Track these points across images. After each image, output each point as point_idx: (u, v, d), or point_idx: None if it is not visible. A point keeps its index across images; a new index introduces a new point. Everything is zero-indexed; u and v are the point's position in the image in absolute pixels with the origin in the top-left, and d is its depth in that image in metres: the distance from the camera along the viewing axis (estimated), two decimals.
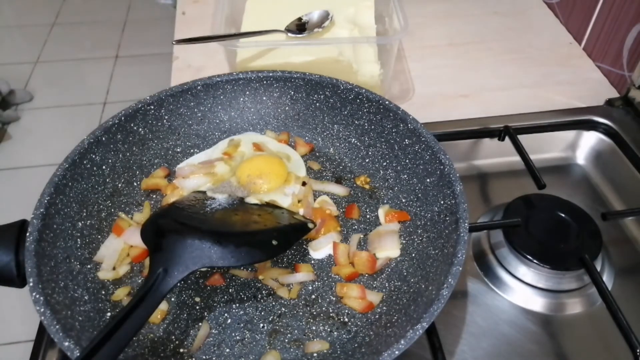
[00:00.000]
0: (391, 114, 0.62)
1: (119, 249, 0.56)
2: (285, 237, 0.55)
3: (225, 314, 0.53)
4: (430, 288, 0.49)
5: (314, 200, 0.62)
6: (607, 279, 0.59)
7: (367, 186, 0.64)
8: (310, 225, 0.58)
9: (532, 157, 0.67)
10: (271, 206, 0.60)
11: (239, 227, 0.55)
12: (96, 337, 0.41)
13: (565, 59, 0.90)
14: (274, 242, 0.53)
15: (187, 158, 0.67)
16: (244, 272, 0.56)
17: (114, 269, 0.55)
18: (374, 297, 0.54)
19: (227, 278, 0.56)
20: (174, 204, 0.58)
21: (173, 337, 0.51)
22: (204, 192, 0.61)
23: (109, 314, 0.51)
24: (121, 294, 0.53)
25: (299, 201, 0.62)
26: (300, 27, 0.77)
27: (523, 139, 0.70)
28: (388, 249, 0.57)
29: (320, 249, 0.58)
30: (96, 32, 2.64)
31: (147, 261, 0.57)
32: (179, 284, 0.49)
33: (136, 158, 0.63)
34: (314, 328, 0.52)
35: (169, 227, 0.52)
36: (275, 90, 0.68)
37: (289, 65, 0.72)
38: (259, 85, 0.68)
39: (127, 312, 0.44)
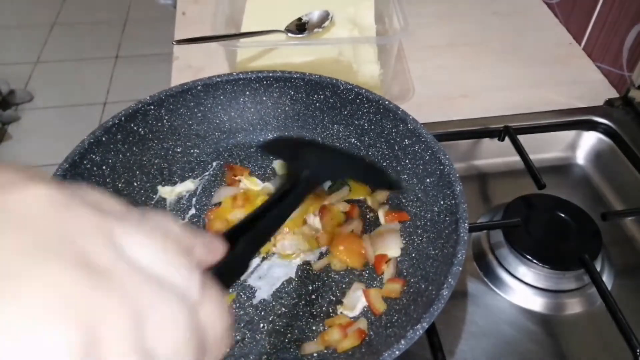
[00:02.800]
0: (391, 114, 0.62)
1: None
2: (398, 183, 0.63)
3: None
4: (430, 288, 0.50)
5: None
6: (607, 279, 0.59)
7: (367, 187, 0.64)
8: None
9: (532, 157, 0.67)
10: None
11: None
12: (238, 224, 0.35)
13: (565, 59, 0.90)
14: (393, 179, 0.61)
15: (186, 158, 0.67)
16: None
17: None
18: (363, 325, 0.52)
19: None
20: None
21: None
22: None
23: None
24: None
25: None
26: (300, 27, 0.77)
27: (523, 139, 0.70)
28: (389, 248, 0.57)
29: (355, 305, 0.54)
30: (96, 32, 2.64)
31: None
32: None
33: (136, 158, 0.63)
34: (314, 328, 0.52)
35: (304, 141, 0.57)
36: (275, 91, 0.68)
37: (289, 65, 0.72)
38: (259, 85, 0.68)
39: (273, 202, 0.39)
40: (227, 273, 0.29)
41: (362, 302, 0.54)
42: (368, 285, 0.56)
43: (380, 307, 0.53)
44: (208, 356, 0.23)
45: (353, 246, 0.58)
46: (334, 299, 0.54)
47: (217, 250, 0.27)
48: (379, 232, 0.59)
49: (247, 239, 0.32)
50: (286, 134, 0.70)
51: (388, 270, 0.56)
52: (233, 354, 0.50)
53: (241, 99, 0.69)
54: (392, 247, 0.57)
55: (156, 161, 0.65)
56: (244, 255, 0.32)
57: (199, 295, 0.22)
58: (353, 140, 0.67)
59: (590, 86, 0.84)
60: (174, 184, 0.65)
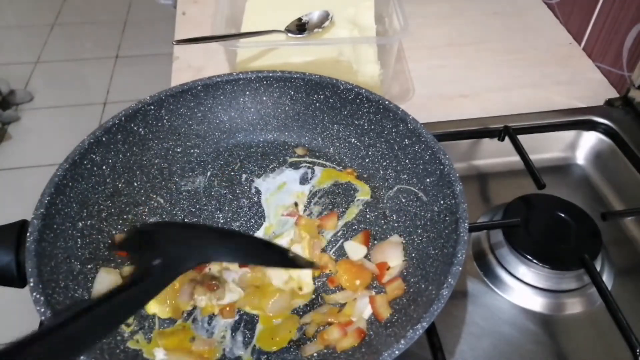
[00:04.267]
0: (391, 114, 0.62)
1: (113, 284, 0.54)
2: (297, 259, 0.47)
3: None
4: (430, 288, 0.50)
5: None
6: (606, 278, 0.59)
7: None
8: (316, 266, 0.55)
9: (532, 157, 0.67)
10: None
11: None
12: (66, 313, 0.31)
13: (565, 59, 0.90)
14: (290, 255, 0.46)
15: (186, 158, 0.67)
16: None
17: None
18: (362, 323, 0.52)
19: None
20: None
21: None
22: None
23: None
24: None
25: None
26: (300, 27, 0.78)
27: (523, 139, 0.70)
28: (391, 259, 0.57)
29: (362, 312, 0.53)
30: (96, 32, 2.64)
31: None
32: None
33: (136, 158, 0.63)
34: (314, 328, 0.52)
35: (158, 226, 0.47)
36: (275, 91, 0.68)
37: (289, 65, 0.72)
38: (259, 85, 0.68)
39: (112, 295, 0.35)
40: None
41: (368, 310, 0.53)
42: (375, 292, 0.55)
43: (385, 313, 0.52)
44: None
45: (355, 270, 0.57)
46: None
47: None
48: (380, 246, 0.58)
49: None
50: (286, 133, 0.70)
51: (389, 274, 0.56)
52: (232, 353, 0.50)
53: (241, 99, 0.69)
54: (395, 259, 0.57)
55: (156, 161, 0.65)
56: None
57: None
58: (353, 140, 0.67)
59: (590, 86, 0.84)
60: (174, 183, 0.65)
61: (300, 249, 0.58)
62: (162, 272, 0.38)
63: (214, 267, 0.55)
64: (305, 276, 0.55)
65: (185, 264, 0.40)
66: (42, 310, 0.44)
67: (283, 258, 0.46)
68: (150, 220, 0.61)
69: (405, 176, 0.62)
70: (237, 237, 0.47)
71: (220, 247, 0.43)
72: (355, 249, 0.58)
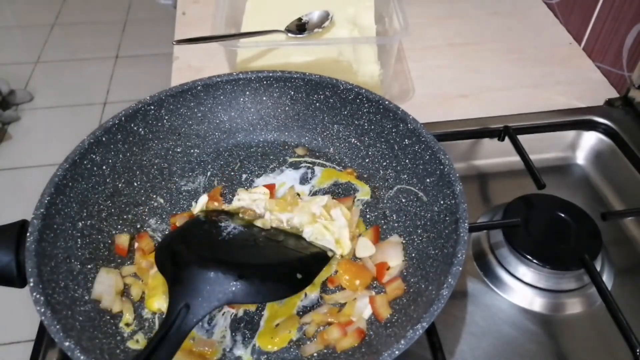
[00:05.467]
0: (391, 114, 0.62)
1: (113, 284, 0.54)
2: (308, 269, 0.53)
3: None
4: (430, 288, 0.50)
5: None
6: (606, 278, 0.59)
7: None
8: (330, 253, 0.56)
9: (532, 157, 0.67)
10: (287, 232, 0.58)
11: (261, 258, 0.53)
12: None
13: (565, 59, 0.90)
14: (299, 276, 0.51)
15: (186, 158, 0.67)
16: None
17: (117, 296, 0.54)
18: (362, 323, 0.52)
19: None
20: (187, 228, 0.57)
21: None
22: (214, 212, 0.60)
23: (108, 314, 0.52)
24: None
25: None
26: (300, 27, 0.78)
27: (523, 139, 0.70)
28: (391, 259, 0.57)
29: (362, 312, 0.53)
30: (96, 32, 2.64)
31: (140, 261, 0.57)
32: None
33: (136, 158, 0.63)
34: (314, 328, 0.52)
35: (187, 257, 0.50)
36: (275, 91, 0.68)
37: (289, 65, 0.72)
38: (259, 85, 0.68)
39: (148, 355, 0.42)
40: None
41: (368, 310, 0.53)
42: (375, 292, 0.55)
43: (385, 313, 0.52)
44: None
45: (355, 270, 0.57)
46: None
47: None
48: (380, 245, 0.58)
49: None
50: (286, 133, 0.70)
51: (389, 274, 0.56)
52: (233, 354, 0.50)
53: (241, 99, 0.69)
54: (395, 259, 0.57)
55: (156, 161, 0.65)
56: None
57: None
58: (353, 140, 0.67)
59: (590, 86, 0.84)
60: (174, 183, 0.65)
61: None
62: (186, 317, 0.44)
63: None
64: (344, 238, 0.58)
65: (208, 308, 0.46)
66: (42, 310, 0.44)
67: (293, 283, 0.51)
68: (151, 220, 0.61)
69: (405, 176, 0.62)
70: (254, 276, 0.49)
71: (239, 290, 0.47)
72: (365, 245, 0.58)
